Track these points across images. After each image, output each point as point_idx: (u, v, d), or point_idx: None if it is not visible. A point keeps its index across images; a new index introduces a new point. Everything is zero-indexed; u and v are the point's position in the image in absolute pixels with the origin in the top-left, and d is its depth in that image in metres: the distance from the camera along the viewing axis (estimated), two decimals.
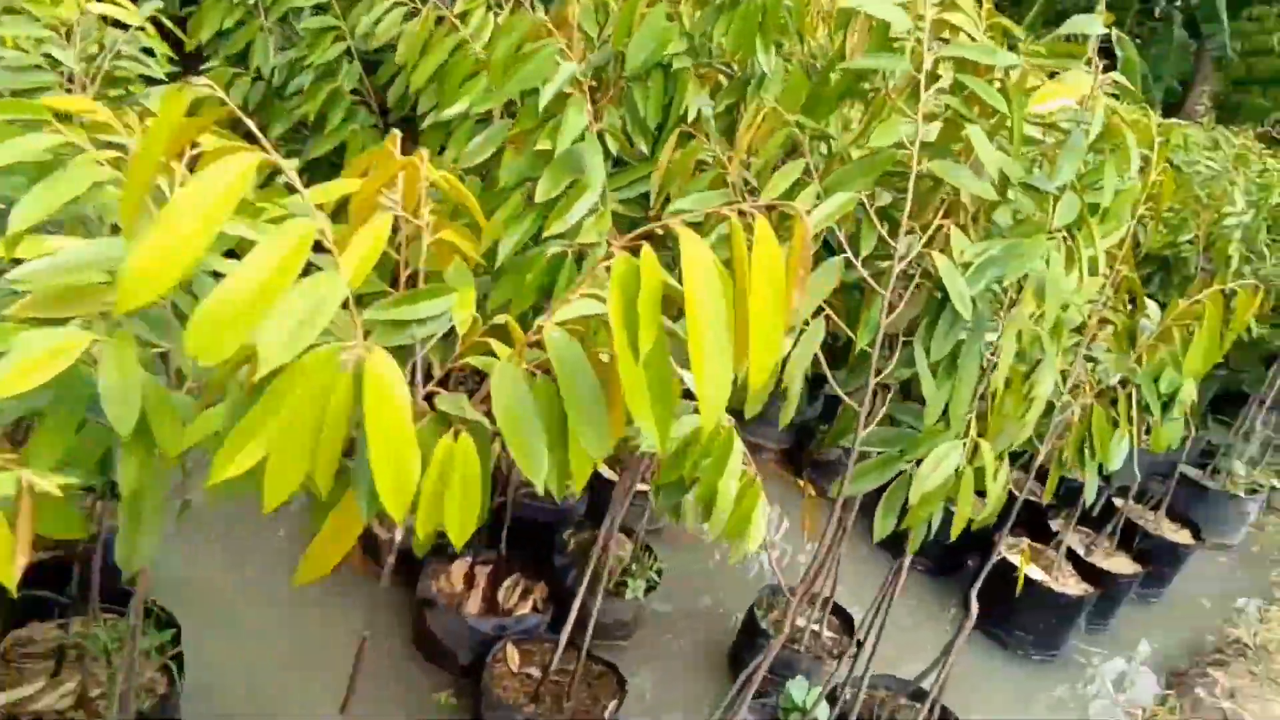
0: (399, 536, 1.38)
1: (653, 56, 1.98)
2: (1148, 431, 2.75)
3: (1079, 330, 2.30)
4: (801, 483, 4.05)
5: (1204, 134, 5.58)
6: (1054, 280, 1.66)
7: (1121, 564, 3.54)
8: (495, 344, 1.08)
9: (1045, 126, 1.88)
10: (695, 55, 2.11)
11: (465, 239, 1.13)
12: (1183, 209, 4.16)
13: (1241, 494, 4.37)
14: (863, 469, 1.84)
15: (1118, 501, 3.78)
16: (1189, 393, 2.58)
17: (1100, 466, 2.55)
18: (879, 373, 1.81)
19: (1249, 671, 3.32)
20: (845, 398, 1.78)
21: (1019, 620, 3.24)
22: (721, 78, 2.16)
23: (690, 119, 2.03)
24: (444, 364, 1.10)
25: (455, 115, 2.00)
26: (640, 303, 0.86)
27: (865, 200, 1.67)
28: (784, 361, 1.66)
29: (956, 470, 1.85)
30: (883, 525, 1.86)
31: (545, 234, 1.66)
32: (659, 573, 2.78)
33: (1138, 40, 11.20)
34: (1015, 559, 3.36)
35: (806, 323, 1.67)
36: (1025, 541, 3.51)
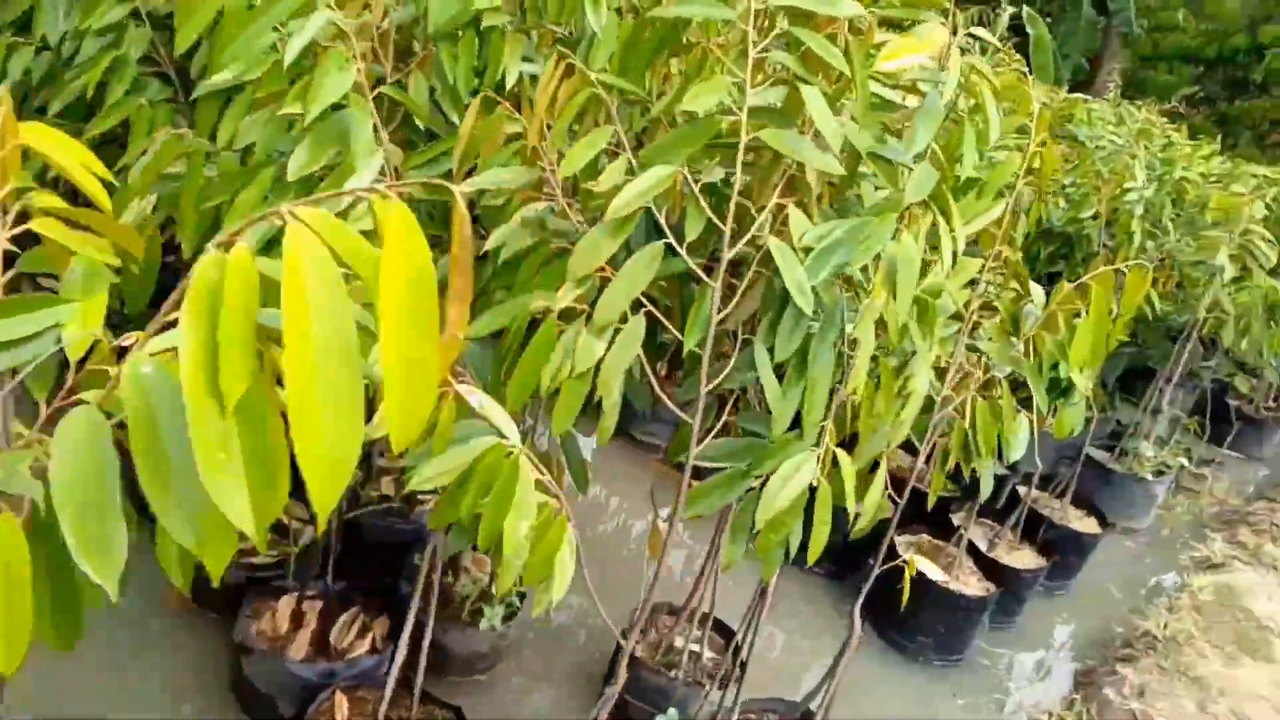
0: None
1: (461, 13, 1.71)
2: (1054, 414, 2.58)
3: (958, 317, 2.09)
4: (695, 485, 3.82)
5: (1110, 109, 5.49)
6: (906, 263, 1.43)
7: (1025, 558, 3.38)
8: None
9: (905, 90, 1.65)
10: (521, 12, 1.85)
11: (82, 233, 0.85)
12: (1083, 183, 4.02)
13: (1149, 476, 4.26)
14: (703, 488, 1.60)
15: (1022, 490, 3.62)
16: (1086, 378, 2.41)
17: (1001, 455, 2.38)
18: (718, 376, 1.57)
19: (1158, 666, 3.19)
20: (675, 408, 1.53)
21: (918, 624, 3.05)
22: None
23: (510, 84, 1.76)
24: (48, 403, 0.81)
25: (231, 83, 1.71)
26: (223, 327, 0.59)
27: (689, 176, 1.42)
28: (597, 366, 1.40)
29: (812, 485, 1.61)
30: (730, 552, 1.63)
31: None
32: (521, 596, 2.52)
33: (1047, 18, 11.19)
34: (915, 558, 3.17)
35: (625, 319, 1.42)
36: (925, 538, 3.33)
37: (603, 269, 1.42)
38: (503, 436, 1.26)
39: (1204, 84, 10.65)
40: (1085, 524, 3.73)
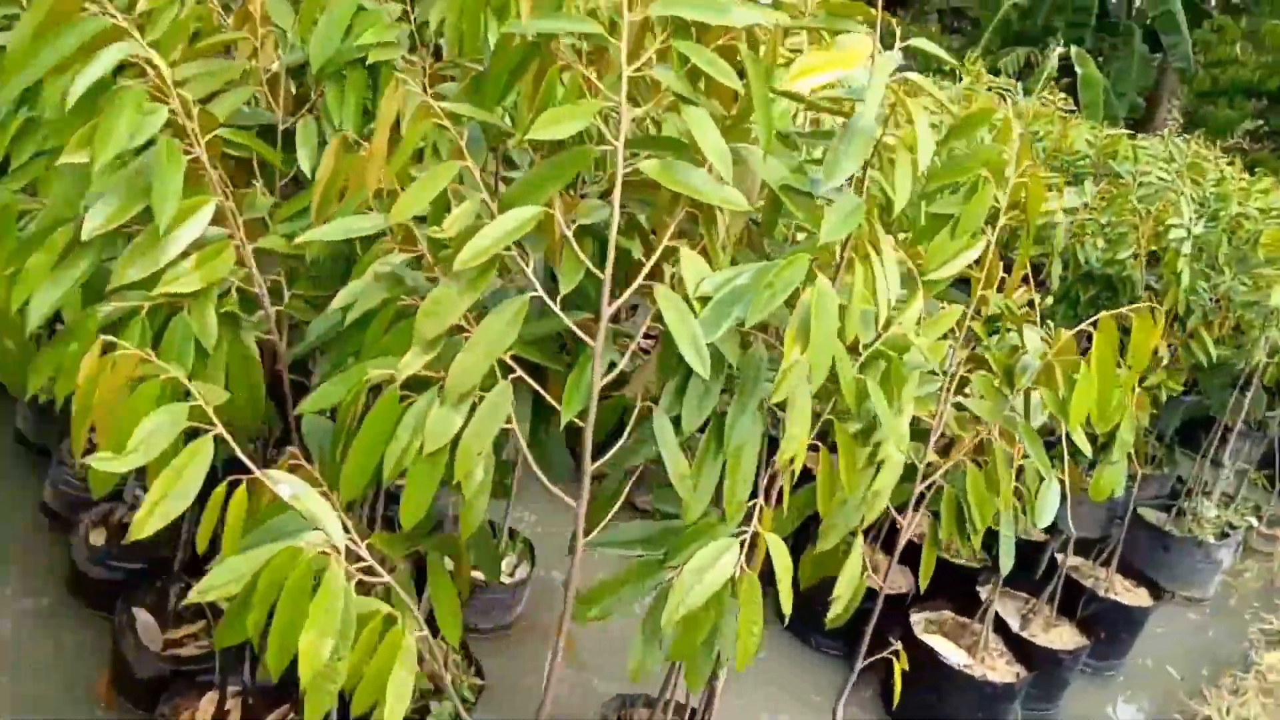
0: None
1: (346, 50, 1.55)
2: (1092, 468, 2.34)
3: (937, 373, 1.83)
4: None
5: (1160, 145, 5.19)
6: (822, 313, 1.19)
7: (1064, 635, 3.03)
8: None
9: (841, 114, 1.43)
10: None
11: None
12: (1119, 221, 3.73)
13: (1211, 538, 3.86)
14: (606, 585, 1.36)
15: (1060, 557, 3.27)
16: (1126, 433, 2.14)
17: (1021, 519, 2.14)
18: (625, 452, 1.34)
19: None
20: (556, 490, 1.30)
21: (940, 714, 2.73)
22: None
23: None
24: None
25: None
26: None
27: (562, 218, 1.21)
28: (454, 443, 1.19)
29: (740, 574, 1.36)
30: (639, 656, 1.38)
31: (112, 285, 1.20)
32: (477, 690, 2.28)
33: (1098, 57, 10.86)
34: (932, 640, 2.86)
35: (488, 388, 1.20)
36: (947, 615, 3.01)
37: (465, 329, 1.21)
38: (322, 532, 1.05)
39: (1268, 118, 10.16)
40: (1134, 595, 3.35)
